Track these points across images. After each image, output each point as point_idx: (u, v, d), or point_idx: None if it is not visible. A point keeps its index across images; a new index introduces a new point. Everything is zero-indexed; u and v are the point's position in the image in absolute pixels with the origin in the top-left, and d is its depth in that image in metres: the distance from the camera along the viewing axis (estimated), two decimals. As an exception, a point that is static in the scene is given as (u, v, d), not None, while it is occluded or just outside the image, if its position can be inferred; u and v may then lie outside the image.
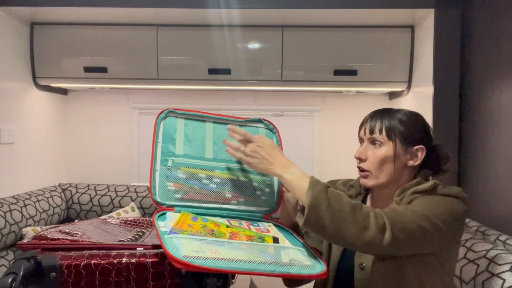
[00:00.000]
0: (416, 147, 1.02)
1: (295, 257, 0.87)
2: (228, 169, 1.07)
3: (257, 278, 1.36)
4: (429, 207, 0.91)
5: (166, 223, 0.90)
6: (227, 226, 0.94)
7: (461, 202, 0.96)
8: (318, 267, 0.85)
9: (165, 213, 0.97)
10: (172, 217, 0.94)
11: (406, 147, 1.01)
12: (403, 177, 1.03)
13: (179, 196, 1.00)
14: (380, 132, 1.01)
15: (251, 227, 0.99)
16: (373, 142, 1.03)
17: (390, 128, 1.01)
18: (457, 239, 0.98)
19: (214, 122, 1.12)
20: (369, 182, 1.03)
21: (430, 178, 1.05)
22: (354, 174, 1.13)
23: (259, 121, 1.18)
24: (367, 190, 1.15)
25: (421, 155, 1.02)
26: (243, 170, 1.08)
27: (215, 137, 1.10)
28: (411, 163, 1.02)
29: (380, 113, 1.05)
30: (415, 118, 1.05)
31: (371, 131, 1.03)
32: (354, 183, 1.16)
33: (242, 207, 1.06)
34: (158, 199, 0.99)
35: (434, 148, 1.05)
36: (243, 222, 1.02)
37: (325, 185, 0.89)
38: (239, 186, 1.06)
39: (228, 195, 1.04)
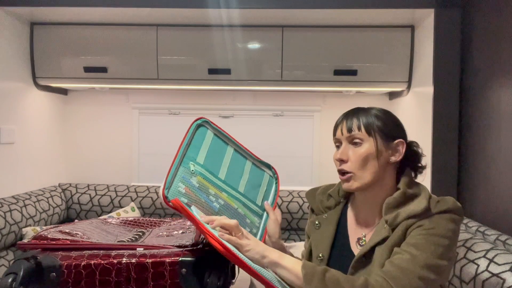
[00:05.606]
0: (396, 141, 1.00)
1: None
2: (233, 196, 1.12)
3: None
4: (431, 251, 0.88)
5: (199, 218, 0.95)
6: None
7: (456, 214, 0.93)
8: None
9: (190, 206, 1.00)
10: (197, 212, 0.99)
11: (387, 142, 1.00)
12: (387, 176, 1.01)
13: (185, 200, 1.00)
14: (359, 129, 0.99)
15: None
16: (352, 141, 1.00)
17: (368, 123, 0.99)
18: (456, 255, 0.96)
19: (234, 148, 1.19)
20: (353, 185, 1.00)
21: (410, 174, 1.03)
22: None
23: (269, 167, 1.27)
24: (348, 198, 1.12)
25: (402, 149, 1.01)
26: (244, 204, 1.14)
27: (231, 162, 1.16)
28: (393, 159, 1.00)
29: (353, 112, 1.03)
30: (388, 113, 1.04)
31: (349, 130, 1.00)
32: (332, 191, 1.13)
33: None
34: (167, 195, 0.99)
35: (411, 145, 1.05)
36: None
37: (321, 275, 0.88)
38: (235, 217, 1.08)
39: None
